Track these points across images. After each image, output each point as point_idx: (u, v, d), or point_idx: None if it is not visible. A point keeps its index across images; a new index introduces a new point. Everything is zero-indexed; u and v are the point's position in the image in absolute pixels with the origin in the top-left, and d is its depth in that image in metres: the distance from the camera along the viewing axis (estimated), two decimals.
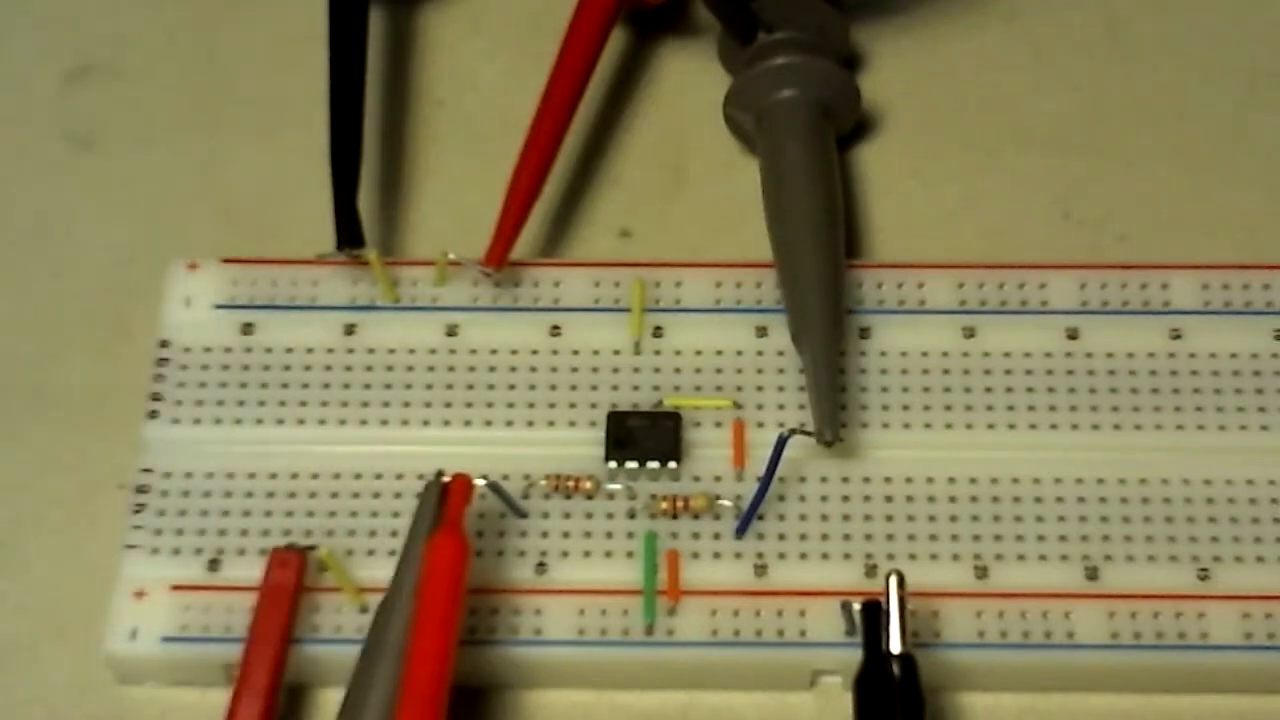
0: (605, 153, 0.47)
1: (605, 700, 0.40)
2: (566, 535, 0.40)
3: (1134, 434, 0.41)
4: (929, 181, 0.47)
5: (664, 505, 0.40)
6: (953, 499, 0.40)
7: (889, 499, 0.40)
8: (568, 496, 0.41)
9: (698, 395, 0.42)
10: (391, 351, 0.42)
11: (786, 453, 0.40)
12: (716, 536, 0.40)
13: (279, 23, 0.49)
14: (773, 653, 0.39)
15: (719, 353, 0.42)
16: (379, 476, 0.41)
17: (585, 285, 0.43)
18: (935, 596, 0.39)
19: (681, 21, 0.49)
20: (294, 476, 0.41)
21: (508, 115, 0.46)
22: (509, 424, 0.41)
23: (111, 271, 0.45)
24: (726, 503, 0.40)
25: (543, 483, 0.41)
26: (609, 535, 0.40)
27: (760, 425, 0.41)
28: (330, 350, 0.42)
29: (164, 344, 0.42)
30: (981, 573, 0.40)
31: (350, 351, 0.42)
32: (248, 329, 0.43)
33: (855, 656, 0.38)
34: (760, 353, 0.42)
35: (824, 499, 0.40)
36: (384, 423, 0.41)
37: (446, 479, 0.39)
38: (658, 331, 0.43)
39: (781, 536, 0.40)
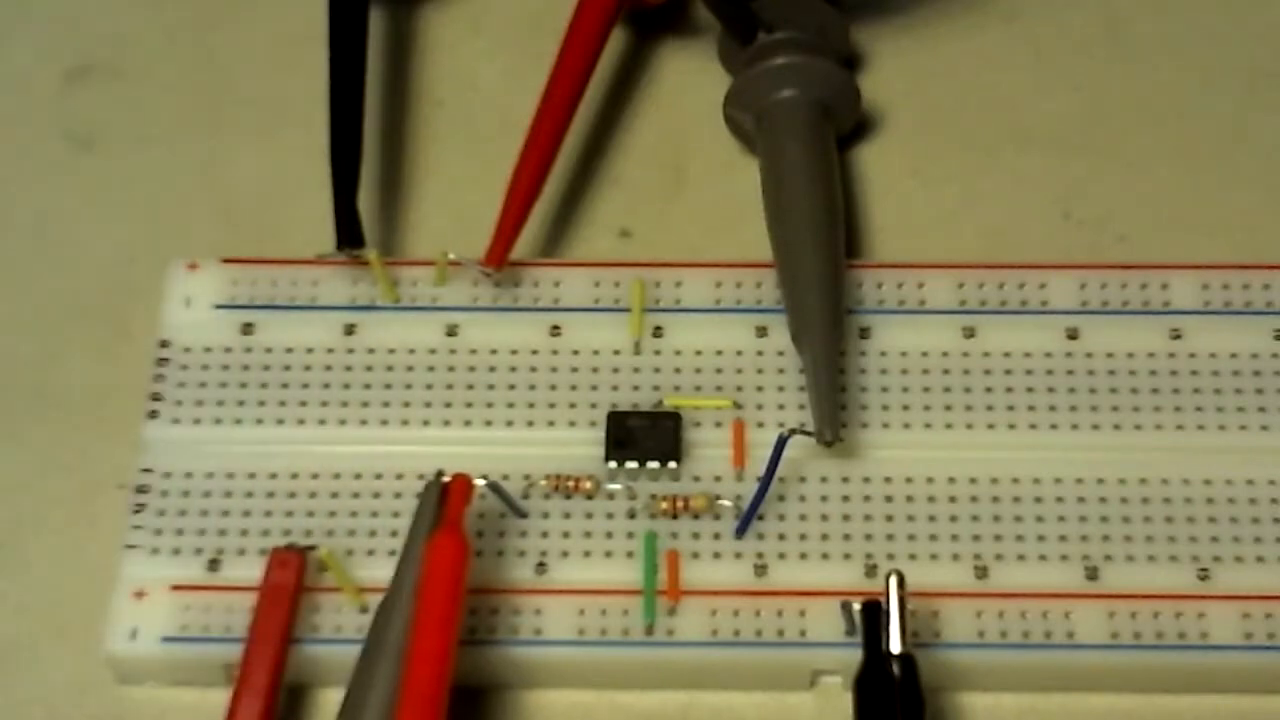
0: (605, 153, 0.47)
1: (605, 700, 0.40)
2: (566, 535, 0.40)
3: (1134, 434, 0.41)
4: (929, 181, 0.47)
5: (664, 505, 0.40)
6: (953, 499, 0.40)
7: (889, 499, 0.40)
8: (568, 496, 0.41)
9: (698, 395, 0.42)
10: (391, 351, 0.42)
11: (786, 453, 0.40)
12: (716, 536, 0.40)
13: (279, 23, 0.49)
14: (773, 653, 0.39)
15: (719, 353, 0.42)
16: (379, 476, 0.41)
17: (585, 285, 0.43)
18: (935, 596, 0.39)
19: (681, 21, 0.49)
20: (294, 476, 0.41)
21: (508, 115, 0.46)
22: (509, 424, 0.41)
23: (111, 271, 0.45)
24: (726, 503, 0.40)
25: (543, 483, 0.41)
26: (609, 535, 0.40)
27: (760, 425, 0.41)
28: (330, 350, 0.42)
29: (164, 344, 0.42)
30: (981, 573, 0.40)
31: (350, 351, 0.42)
32: (248, 329, 0.43)
33: (855, 656, 0.38)
34: (760, 353, 0.42)
35: (824, 499, 0.40)
36: (384, 423, 0.41)
37: (446, 479, 0.39)
38: (658, 331, 0.43)
39: (781, 536, 0.40)
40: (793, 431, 0.40)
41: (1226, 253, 0.45)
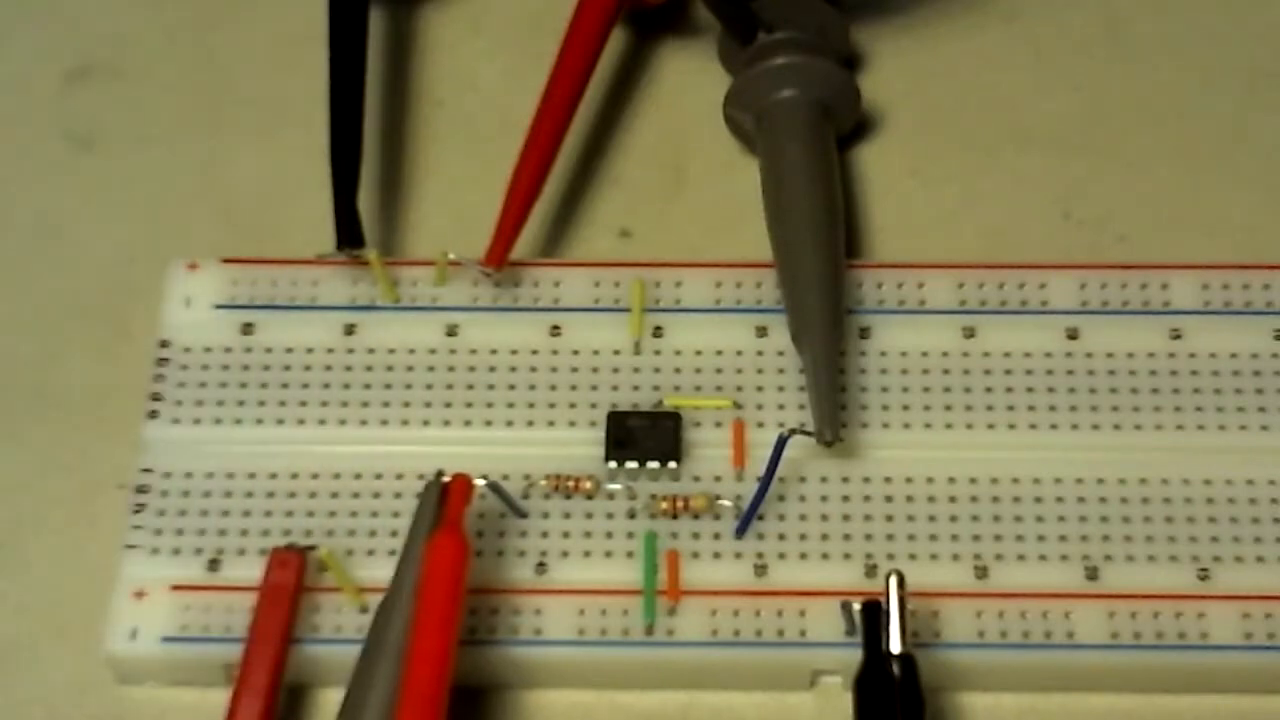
0: (605, 153, 0.47)
1: (605, 700, 0.40)
2: (566, 535, 0.40)
3: (1134, 434, 0.41)
4: (929, 181, 0.47)
5: (664, 505, 0.40)
6: (953, 499, 0.40)
7: (889, 499, 0.40)
8: (568, 496, 0.41)
9: (698, 395, 0.42)
10: (391, 351, 0.42)
11: (786, 453, 0.40)
12: (716, 536, 0.40)
13: (279, 23, 0.49)
14: (773, 653, 0.39)
15: (719, 353, 0.42)
16: (379, 476, 0.41)
17: (585, 285, 0.43)
18: (935, 596, 0.39)
19: (681, 21, 0.49)
20: (294, 476, 0.41)
21: (508, 115, 0.46)
22: (509, 424, 0.41)
23: (111, 271, 0.45)
24: (726, 503, 0.40)
25: (543, 483, 0.41)
26: (609, 535, 0.40)
27: (760, 425, 0.41)
28: (330, 350, 0.42)
29: (164, 344, 0.42)
30: (981, 573, 0.40)
31: (350, 351, 0.42)
32: (248, 329, 0.43)
33: (855, 656, 0.38)
34: (760, 353, 0.42)
35: (824, 499, 0.40)
36: (384, 423, 0.41)
37: (446, 479, 0.39)
38: (658, 331, 0.43)
39: (781, 536, 0.40)
40: (793, 431, 0.40)
41: (1226, 253, 0.45)
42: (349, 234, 0.43)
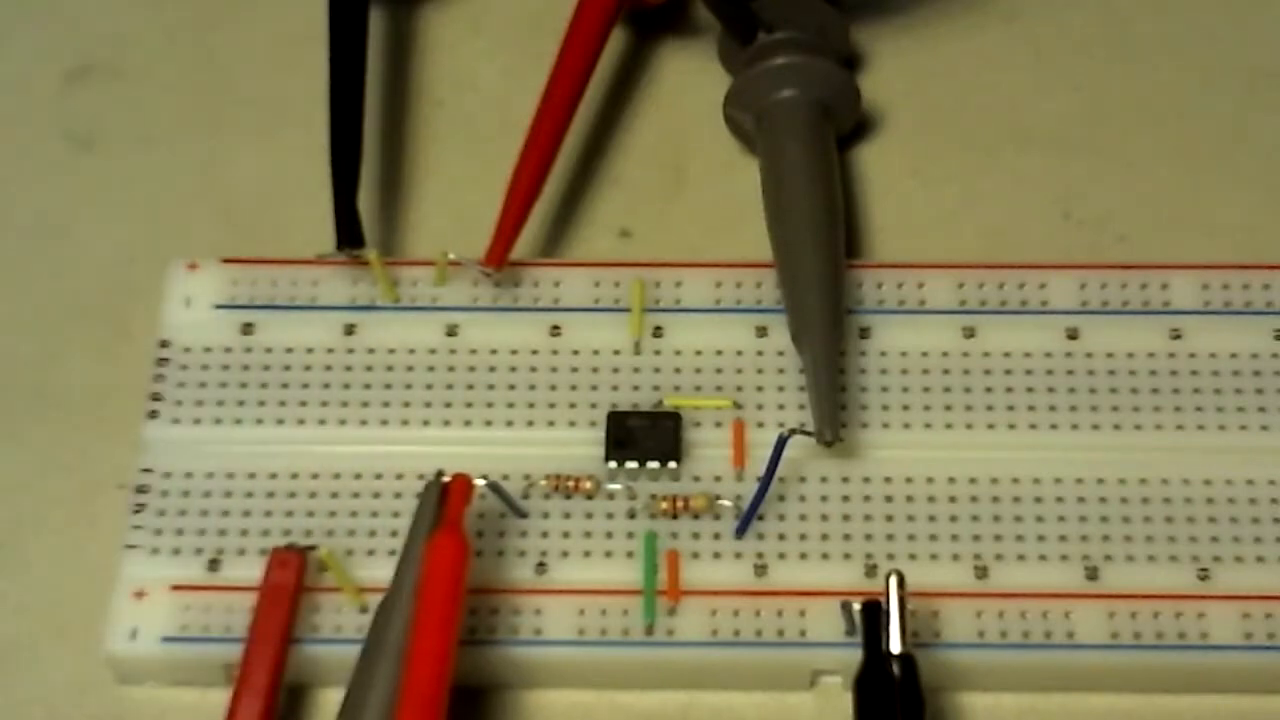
0: (605, 153, 0.47)
1: (605, 700, 0.40)
2: (566, 535, 0.40)
3: (1134, 434, 0.41)
4: (929, 181, 0.47)
5: (664, 505, 0.40)
6: (953, 499, 0.40)
7: (889, 499, 0.40)
8: (568, 496, 0.41)
9: (698, 395, 0.42)
10: (391, 351, 0.42)
11: (786, 453, 0.40)
12: (716, 536, 0.40)
13: (279, 23, 0.49)
14: (773, 653, 0.39)
15: (719, 353, 0.42)
16: (379, 476, 0.41)
17: (585, 285, 0.43)
18: (935, 596, 0.39)
19: (681, 21, 0.49)
20: (294, 476, 0.41)
21: (508, 115, 0.46)
22: (509, 424, 0.41)
23: (111, 271, 0.45)
24: (726, 503, 0.40)
25: (543, 483, 0.41)
26: (609, 535, 0.40)
27: (760, 425, 0.41)
28: (330, 350, 0.42)
29: (164, 344, 0.42)
30: (981, 573, 0.40)
31: (350, 351, 0.42)
32: (248, 329, 0.43)
33: (855, 656, 0.38)
34: (760, 353, 0.42)
35: (824, 499, 0.40)
36: (384, 423, 0.41)
37: (446, 479, 0.39)
38: (658, 331, 0.43)
39: (781, 536, 0.40)
40: (793, 431, 0.40)
41: (1226, 253, 0.45)
42: (349, 234, 0.43)
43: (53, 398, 0.43)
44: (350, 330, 0.43)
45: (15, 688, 0.40)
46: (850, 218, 0.45)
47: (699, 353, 0.42)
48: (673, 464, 0.41)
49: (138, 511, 0.40)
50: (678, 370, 0.42)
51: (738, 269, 0.43)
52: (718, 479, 0.41)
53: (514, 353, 0.42)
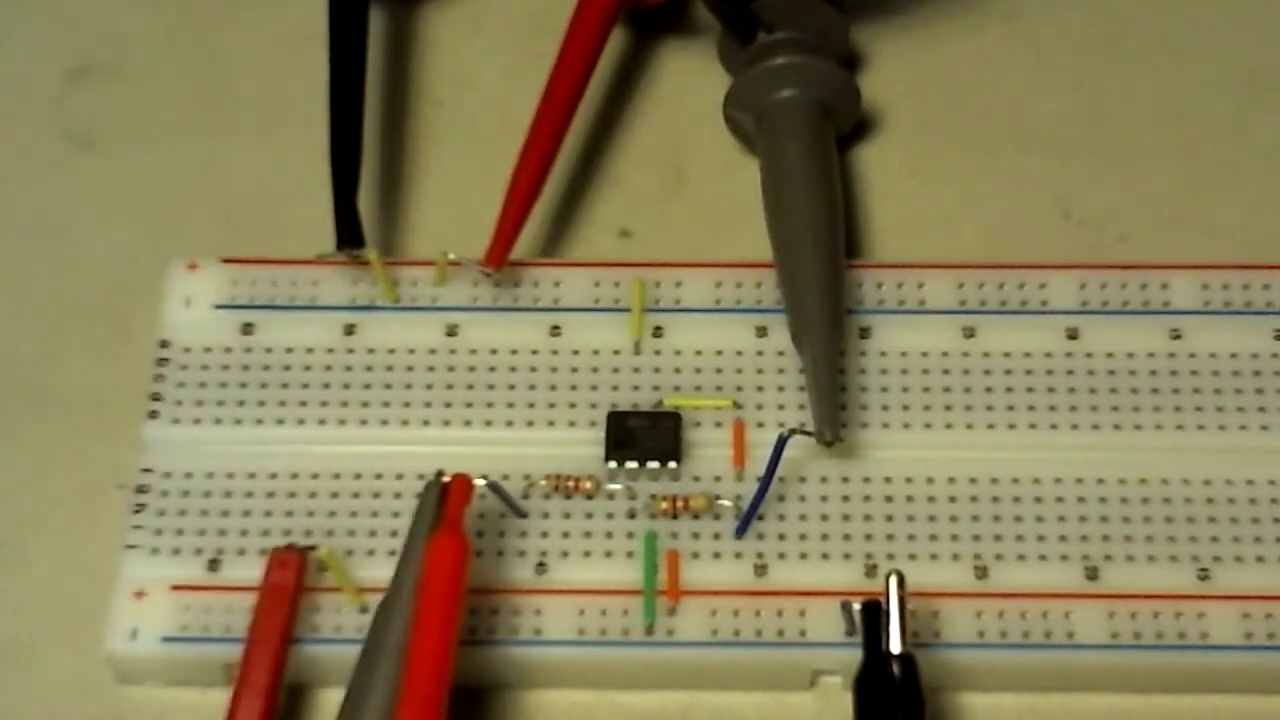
0: (605, 153, 0.47)
1: (605, 700, 0.40)
2: (566, 535, 0.40)
3: (1134, 434, 0.41)
4: (929, 181, 0.47)
5: (664, 505, 0.40)
6: (953, 499, 0.40)
7: (889, 499, 0.40)
8: (568, 496, 0.41)
9: (698, 395, 0.42)
10: (391, 351, 0.42)
11: (786, 453, 0.40)
12: (716, 536, 0.40)
13: (279, 23, 0.49)
14: (773, 653, 0.39)
15: (719, 353, 0.42)
16: (379, 476, 0.41)
17: (585, 285, 0.43)
18: (935, 596, 0.39)
19: (681, 21, 0.49)
20: (294, 476, 0.41)
21: (508, 115, 0.46)
22: (509, 424, 0.41)
23: (111, 271, 0.45)
24: (726, 503, 0.40)
25: (543, 483, 0.41)
26: (609, 535, 0.40)
27: (760, 425, 0.41)
28: (330, 350, 0.42)
29: (164, 344, 0.42)
30: (981, 573, 0.40)
31: (350, 351, 0.42)
32: (248, 329, 0.43)
33: (855, 656, 0.38)
34: (760, 353, 0.42)
35: (824, 499, 0.40)
36: (384, 423, 0.41)
37: (446, 479, 0.39)
38: (658, 331, 0.43)
39: (781, 536, 0.40)
40: (793, 431, 0.40)
41: (1226, 253, 0.45)
42: (349, 234, 0.43)
43: (53, 398, 0.43)
44: (350, 330, 0.43)
45: (15, 688, 0.40)
46: (850, 218, 0.45)
47: (699, 353, 0.42)
48: (673, 464, 0.41)
49: (138, 511, 0.40)
50: (678, 370, 0.42)
51: (738, 269, 0.43)
52: (718, 479, 0.41)
53: (514, 353, 0.42)
